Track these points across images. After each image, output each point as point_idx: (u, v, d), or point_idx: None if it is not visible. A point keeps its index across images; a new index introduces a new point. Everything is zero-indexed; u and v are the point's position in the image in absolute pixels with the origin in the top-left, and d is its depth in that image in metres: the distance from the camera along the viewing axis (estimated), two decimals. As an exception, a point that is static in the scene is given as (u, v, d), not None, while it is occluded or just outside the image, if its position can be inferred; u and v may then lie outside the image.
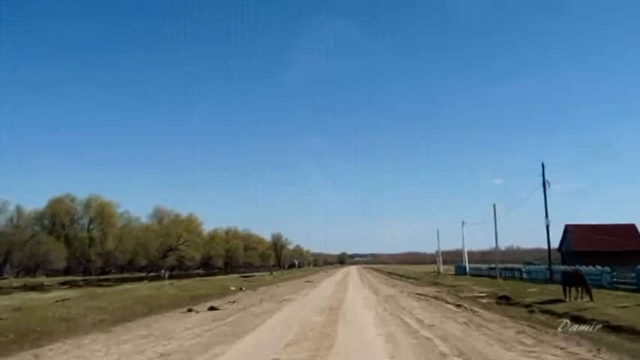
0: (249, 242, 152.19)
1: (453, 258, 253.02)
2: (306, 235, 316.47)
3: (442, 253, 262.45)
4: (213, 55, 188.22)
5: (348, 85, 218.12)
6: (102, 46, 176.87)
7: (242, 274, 56.79)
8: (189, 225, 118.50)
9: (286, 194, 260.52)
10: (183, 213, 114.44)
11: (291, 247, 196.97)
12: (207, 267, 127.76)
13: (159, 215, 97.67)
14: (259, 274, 66.08)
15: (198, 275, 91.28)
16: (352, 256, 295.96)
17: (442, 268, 73.53)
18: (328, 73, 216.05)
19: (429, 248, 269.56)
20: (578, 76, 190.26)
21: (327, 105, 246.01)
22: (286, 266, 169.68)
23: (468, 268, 55.32)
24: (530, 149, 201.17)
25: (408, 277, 54.69)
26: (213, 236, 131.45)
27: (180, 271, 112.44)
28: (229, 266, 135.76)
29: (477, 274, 53.10)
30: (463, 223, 57.16)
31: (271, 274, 62.95)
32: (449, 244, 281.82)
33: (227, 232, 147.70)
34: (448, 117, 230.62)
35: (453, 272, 63.28)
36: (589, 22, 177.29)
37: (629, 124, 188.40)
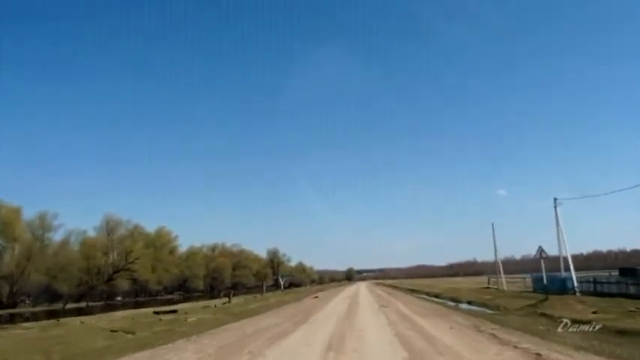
0: (240, 260, 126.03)
1: (465, 270, 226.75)
2: (312, 254, 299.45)
3: (456, 265, 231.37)
4: (212, 73, 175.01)
5: (349, 102, 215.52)
6: (99, 62, 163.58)
7: (157, 310, 31.08)
8: (158, 240, 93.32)
9: (289, 213, 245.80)
10: (152, 225, 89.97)
11: (292, 263, 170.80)
12: (186, 290, 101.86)
13: (109, 226, 72.31)
14: (211, 302, 40.52)
15: (170, 303, 66.01)
16: (360, 272, 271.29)
17: (493, 281, 47.64)
18: (325, 92, 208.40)
19: (435, 261, 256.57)
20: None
21: (324, 123, 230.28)
22: (286, 285, 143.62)
23: (575, 283, 28.82)
24: (534, 159, 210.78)
25: (454, 301, 29.02)
26: (194, 253, 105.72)
27: (147, 297, 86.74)
28: (215, 289, 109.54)
29: (610, 292, 26.44)
30: (556, 200, 30.84)
31: (229, 301, 37.26)
32: (456, 257, 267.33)
33: (213, 249, 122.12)
34: (445, 131, 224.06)
35: (524, 289, 37.15)
36: (589, 32, 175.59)
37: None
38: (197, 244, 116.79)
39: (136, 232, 78.61)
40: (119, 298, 78.74)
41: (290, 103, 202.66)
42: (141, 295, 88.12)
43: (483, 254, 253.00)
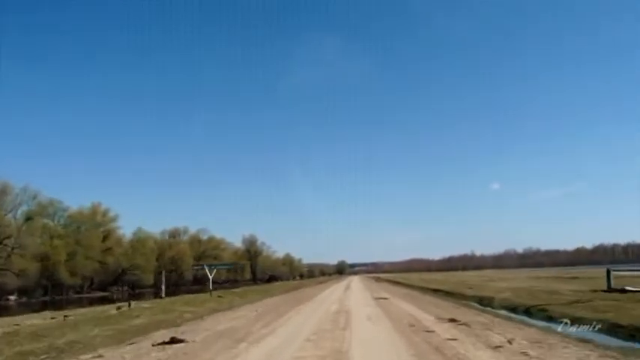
0: (207, 249, 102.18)
1: (464, 264, 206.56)
2: (304, 247, 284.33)
3: (453, 259, 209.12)
4: (209, 64, 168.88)
5: (346, 95, 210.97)
6: (96, 50, 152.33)
7: None
8: (87, 220, 69.50)
9: (282, 206, 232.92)
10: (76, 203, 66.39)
11: (280, 255, 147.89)
12: (131, 285, 77.90)
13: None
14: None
15: (82, 304, 42.56)
16: (352, 266, 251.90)
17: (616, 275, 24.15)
18: (328, 83, 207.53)
19: (428, 254, 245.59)
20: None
21: (323, 114, 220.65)
22: (265, 279, 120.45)
23: None
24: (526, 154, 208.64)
25: None
26: (140, 239, 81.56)
27: (67, 294, 62.60)
28: (170, 284, 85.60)
29: None
30: None
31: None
32: (449, 251, 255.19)
33: (173, 235, 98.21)
34: (440, 125, 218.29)
35: None
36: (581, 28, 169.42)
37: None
38: (157, 229, 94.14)
39: (33, 205, 54.53)
40: (13, 297, 54.60)
41: (287, 94, 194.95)
42: (58, 292, 64.11)
43: (482, 247, 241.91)
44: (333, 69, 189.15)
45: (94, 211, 72.03)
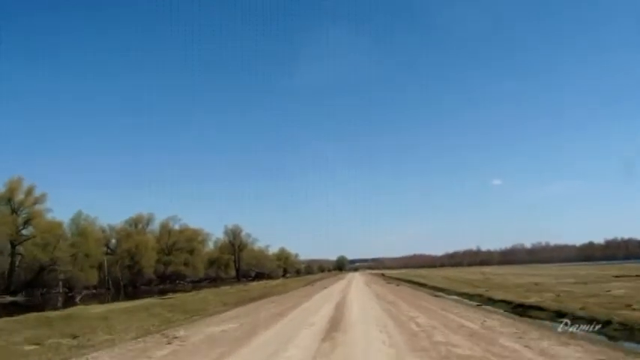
0: (179, 240, 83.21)
1: (469, 260, 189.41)
2: (305, 243, 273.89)
3: (457, 254, 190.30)
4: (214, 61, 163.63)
5: (348, 92, 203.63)
6: (96, 48, 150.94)
7: None
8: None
9: (282, 201, 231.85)
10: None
11: (274, 249, 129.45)
12: (68, 286, 58.75)
13: None
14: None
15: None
16: (353, 262, 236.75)
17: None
18: (329, 80, 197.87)
19: (430, 250, 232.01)
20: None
21: (326, 111, 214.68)
22: (252, 276, 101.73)
23: None
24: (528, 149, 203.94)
25: None
26: (82, 230, 62.34)
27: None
28: (126, 283, 66.53)
29: None
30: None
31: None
32: (451, 246, 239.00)
33: (135, 224, 79.20)
34: (445, 120, 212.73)
35: None
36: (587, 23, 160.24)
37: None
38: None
39: None
40: None
41: (286, 92, 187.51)
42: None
43: (485, 243, 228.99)
44: (331, 67, 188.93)
45: (10, 189, 53.24)
